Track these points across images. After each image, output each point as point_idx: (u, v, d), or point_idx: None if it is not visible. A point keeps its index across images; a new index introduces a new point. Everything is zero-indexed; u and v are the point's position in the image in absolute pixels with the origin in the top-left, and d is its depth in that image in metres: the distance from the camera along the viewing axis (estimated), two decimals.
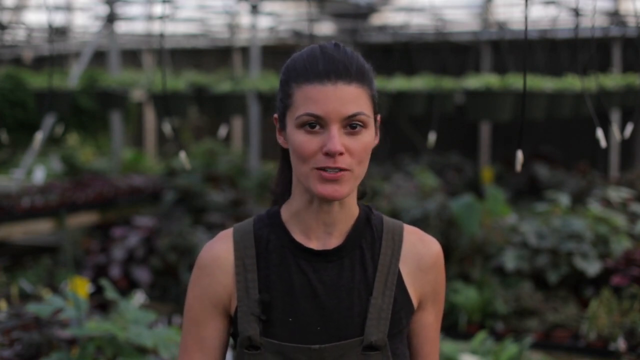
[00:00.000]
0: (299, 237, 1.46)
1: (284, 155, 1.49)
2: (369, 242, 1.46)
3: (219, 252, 1.45)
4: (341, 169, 1.34)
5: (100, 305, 4.52)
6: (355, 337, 1.40)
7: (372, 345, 1.40)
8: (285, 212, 1.48)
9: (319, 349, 1.39)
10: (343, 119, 1.33)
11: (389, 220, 1.51)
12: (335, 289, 1.43)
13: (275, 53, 8.94)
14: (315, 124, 1.34)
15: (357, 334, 1.40)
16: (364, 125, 1.36)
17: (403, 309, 1.44)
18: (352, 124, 1.34)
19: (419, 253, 1.47)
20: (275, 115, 1.44)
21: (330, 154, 1.32)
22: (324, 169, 1.34)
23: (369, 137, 1.37)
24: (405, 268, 1.46)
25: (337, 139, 1.32)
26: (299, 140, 1.35)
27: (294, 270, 1.43)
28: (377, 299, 1.42)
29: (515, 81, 4.88)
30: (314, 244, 1.45)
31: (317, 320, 1.41)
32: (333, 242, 1.45)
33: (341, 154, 1.33)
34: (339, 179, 1.34)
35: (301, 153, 1.35)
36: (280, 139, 1.44)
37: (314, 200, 1.42)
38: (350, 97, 1.34)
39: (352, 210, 1.46)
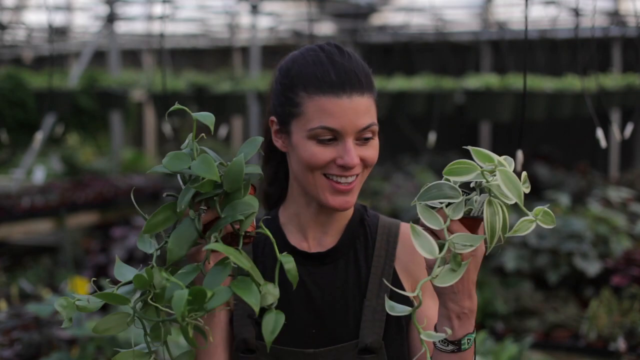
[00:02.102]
0: (294, 239, 1.45)
1: (280, 157, 1.46)
2: (362, 242, 1.45)
3: None
4: (354, 177, 1.34)
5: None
6: (350, 340, 1.39)
7: (367, 348, 1.38)
8: (283, 214, 1.47)
9: (313, 353, 1.38)
10: (358, 131, 1.32)
11: (386, 220, 1.49)
12: (330, 292, 1.42)
13: (275, 53, 8.91)
14: (330, 136, 1.32)
15: (352, 337, 1.39)
16: (374, 134, 1.36)
17: None
18: (364, 136, 1.34)
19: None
20: (272, 118, 1.40)
21: (347, 167, 1.32)
22: (337, 180, 1.33)
23: (377, 143, 1.37)
24: (400, 264, 1.44)
25: (353, 152, 1.31)
26: (311, 151, 1.32)
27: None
28: (370, 300, 1.40)
29: (515, 81, 4.88)
30: (309, 244, 1.44)
31: (311, 323, 1.40)
32: (328, 241, 1.44)
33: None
34: (351, 190, 1.34)
35: (313, 164, 1.32)
36: (278, 143, 1.40)
37: (312, 203, 1.41)
38: (364, 109, 1.32)
39: None
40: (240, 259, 1.16)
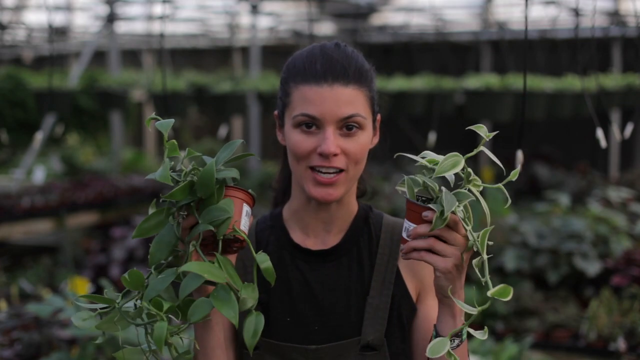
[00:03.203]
0: (298, 236, 1.46)
1: (285, 153, 1.49)
2: (366, 240, 1.47)
3: None
4: (336, 170, 1.33)
5: None
6: (353, 337, 1.40)
7: (369, 345, 1.39)
8: (286, 211, 1.49)
9: (315, 349, 1.39)
10: (338, 120, 1.33)
11: (390, 218, 1.51)
12: (333, 289, 1.43)
13: (275, 53, 8.94)
14: (311, 124, 1.33)
15: (354, 334, 1.41)
16: (360, 127, 1.35)
17: (402, 305, 1.43)
18: (348, 125, 1.34)
19: None
20: (276, 113, 1.45)
21: (324, 155, 1.32)
22: (318, 171, 1.34)
23: (366, 139, 1.37)
24: (404, 263, 1.45)
25: (331, 140, 1.32)
26: (295, 139, 1.35)
27: (291, 270, 1.44)
28: (373, 298, 1.42)
29: (515, 81, 4.88)
30: (313, 242, 1.45)
31: (314, 320, 1.42)
32: (331, 239, 1.46)
33: (335, 155, 1.33)
34: (333, 183, 1.34)
35: (296, 152, 1.35)
36: (279, 136, 1.44)
37: (312, 199, 1.42)
38: (346, 99, 1.33)
39: (350, 208, 1.46)
40: (213, 272, 1.17)
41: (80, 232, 6.43)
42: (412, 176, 1.26)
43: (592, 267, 4.43)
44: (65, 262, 5.74)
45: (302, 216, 1.45)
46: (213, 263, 1.20)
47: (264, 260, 1.23)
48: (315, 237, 1.46)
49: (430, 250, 1.22)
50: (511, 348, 3.54)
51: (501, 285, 1.17)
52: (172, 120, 1.24)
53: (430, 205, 1.20)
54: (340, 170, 1.34)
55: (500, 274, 4.79)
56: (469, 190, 1.22)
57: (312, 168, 1.34)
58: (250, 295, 1.22)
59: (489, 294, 1.17)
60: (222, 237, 1.21)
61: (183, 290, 1.19)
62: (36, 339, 3.23)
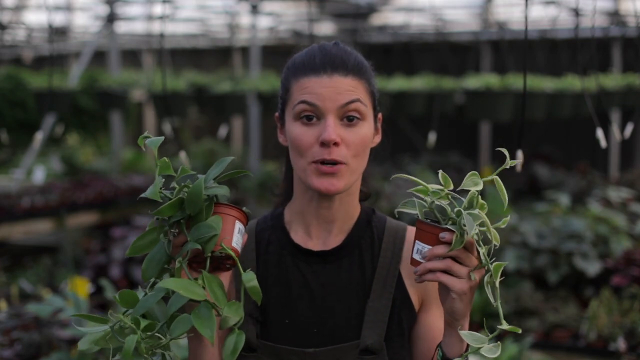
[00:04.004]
0: (299, 237, 1.45)
1: (288, 158, 1.47)
2: (368, 243, 1.45)
3: None
4: (337, 162, 1.32)
5: (100, 305, 4.52)
6: (352, 341, 1.38)
7: (368, 349, 1.37)
8: (288, 212, 1.48)
9: (313, 352, 1.37)
10: (339, 107, 1.32)
11: (393, 222, 1.49)
12: (333, 291, 1.41)
13: (275, 53, 8.94)
14: (312, 115, 1.33)
15: (353, 337, 1.39)
16: (361, 117, 1.34)
17: (403, 309, 1.41)
18: (348, 116, 1.33)
19: None
20: (277, 114, 1.44)
21: (325, 144, 1.31)
22: (320, 162, 1.33)
23: (367, 130, 1.36)
24: (406, 269, 1.43)
25: (332, 128, 1.31)
26: (296, 132, 1.34)
27: (291, 271, 1.43)
28: (374, 301, 1.40)
29: (515, 81, 4.88)
30: (314, 243, 1.44)
31: (313, 322, 1.40)
32: (333, 240, 1.44)
33: (336, 144, 1.32)
34: (335, 173, 1.33)
35: (298, 145, 1.34)
36: (281, 138, 1.43)
37: (314, 198, 1.41)
38: (346, 87, 1.33)
39: (352, 209, 1.45)
40: (190, 289, 1.17)
41: (80, 232, 6.43)
42: (415, 199, 1.28)
43: (592, 267, 4.43)
44: (65, 262, 5.74)
45: (304, 217, 1.44)
46: (197, 280, 1.20)
47: (250, 279, 1.23)
48: (316, 238, 1.44)
49: (444, 272, 1.22)
50: (511, 348, 3.54)
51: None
52: (161, 138, 1.24)
53: (449, 226, 1.20)
54: (341, 162, 1.34)
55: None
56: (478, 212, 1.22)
57: (314, 162, 1.34)
58: (234, 314, 1.22)
59: (500, 327, 1.24)
60: (210, 255, 1.21)
61: (169, 307, 1.20)
62: (36, 339, 3.23)
